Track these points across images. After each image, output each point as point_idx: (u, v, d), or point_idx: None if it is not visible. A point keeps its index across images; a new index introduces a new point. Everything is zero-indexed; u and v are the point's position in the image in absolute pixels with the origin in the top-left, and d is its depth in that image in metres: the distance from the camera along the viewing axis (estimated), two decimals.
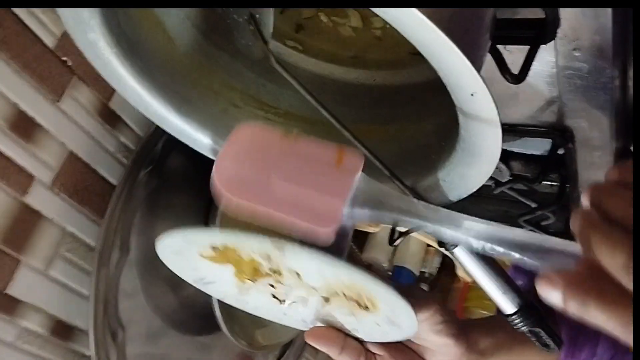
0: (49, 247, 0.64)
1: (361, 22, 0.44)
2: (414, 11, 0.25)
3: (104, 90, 0.66)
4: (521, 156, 0.66)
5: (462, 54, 0.27)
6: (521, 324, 0.39)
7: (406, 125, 0.46)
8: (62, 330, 0.67)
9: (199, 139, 0.49)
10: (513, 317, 0.39)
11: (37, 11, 0.57)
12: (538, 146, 0.63)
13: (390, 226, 0.81)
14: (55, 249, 0.64)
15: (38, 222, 0.62)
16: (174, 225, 0.79)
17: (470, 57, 0.28)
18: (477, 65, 0.31)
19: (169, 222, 0.79)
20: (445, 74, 0.29)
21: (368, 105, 0.48)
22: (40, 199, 0.62)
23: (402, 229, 0.80)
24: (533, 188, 0.68)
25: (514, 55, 0.45)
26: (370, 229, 1.16)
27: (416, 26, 0.26)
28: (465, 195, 0.40)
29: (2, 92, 0.56)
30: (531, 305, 0.39)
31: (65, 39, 0.60)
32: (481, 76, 0.28)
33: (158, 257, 0.78)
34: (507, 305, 0.39)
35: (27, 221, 0.61)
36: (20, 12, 0.56)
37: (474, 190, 0.38)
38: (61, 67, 0.61)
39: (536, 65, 0.45)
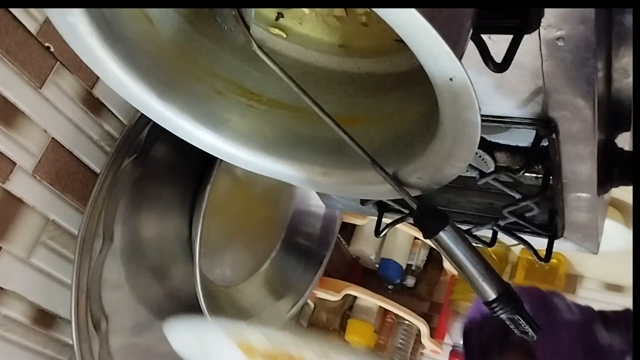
0: (30, 234, 0.63)
1: (344, 11, 0.44)
2: None
3: (88, 77, 0.65)
4: (506, 148, 0.66)
5: (440, 37, 0.26)
6: (501, 311, 0.39)
7: (389, 113, 0.45)
8: (44, 319, 0.67)
9: (181, 125, 0.48)
10: (493, 304, 0.39)
11: None
12: (524, 138, 0.63)
13: (377, 218, 0.81)
14: (37, 237, 0.64)
15: (20, 209, 0.62)
16: (159, 214, 0.79)
17: (449, 42, 0.28)
18: (458, 51, 0.31)
19: (153, 211, 0.78)
20: (424, 58, 0.29)
21: (352, 94, 0.48)
22: (22, 186, 0.61)
23: (388, 220, 0.80)
24: (518, 180, 0.68)
25: (498, 44, 0.45)
26: (358, 222, 1.16)
27: (395, 10, 0.26)
28: (445, 182, 0.40)
29: None
30: (510, 293, 0.39)
31: (48, 25, 0.59)
32: (460, 60, 0.28)
33: (142, 246, 0.78)
34: (487, 292, 0.39)
35: (8, 208, 0.61)
36: None
37: (454, 176, 0.38)
38: (44, 53, 0.60)
39: (520, 55, 0.45)
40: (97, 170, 0.69)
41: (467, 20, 0.34)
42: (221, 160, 0.50)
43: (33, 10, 0.58)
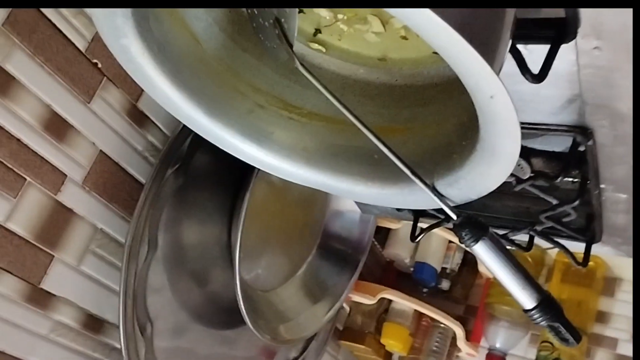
0: (80, 243, 0.66)
1: (382, 27, 0.45)
2: (427, 12, 0.26)
3: (133, 91, 0.68)
4: (543, 153, 0.66)
5: (481, 57, 0.27)
6: (540, 318, 0.40)
7: (427, 125, 0.46)
8: (93, 324, 0.69)
9: (224, 138, 0.50)
10: (532, 312, 0.40)
11: (69, 16, 0.59)
12: (560, 143, 0.63)
13: (412, 222, 0.81)
14: (86, 245, 0.67)
15: (70, 219, 0.64)
16: (200, 221, 0.82)
17: (489, 59, 0.29)
18: (497, 66, 0.32)
19: (195, 218, 0.81)
20: (464, 77, 0.30)
21: (390, 105, 0.49)
22: (72, 196, 0.64)
23: (424, 225, 0.81)
24: (554, 185, 0.68)
25: (534, 54, 0.46)
26: (392, 225, 1.17)
27: (431, 28, 0.27)
28: (485, 194, 0.41)
29: (36, 94, 0.58)
30: (550, 300, 0.40)
31: (95, 42, 0.62)
32: (500, 79, 0.29)
33: (184, 252, 0.80)
34: (527, 300, 0.40)
35: (60, 218, 0.63)
36: (53, 17, 0.58)
37: (494, 188, 0.39)
38: (92, 69, 0.63)
39: (557, 64, 0.45)
40: (142, 180, 0.72)
41: (505, 35, 0.34)
42: (259, 169, 0.52)
43: (82, 29, 0.60)
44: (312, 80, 0.43)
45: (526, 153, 0.66)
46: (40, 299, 0.63)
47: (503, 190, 0.77)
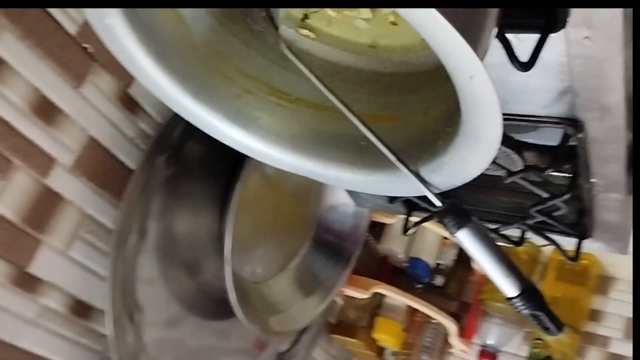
0: (68, 228, 0.66)
1: (370, 12, 0.45)
2: None
3: (124, 77, 0.67)
4: (535, 147, 0.66)
5: (460, 35, 0.27)
6: (523, 307, 0.40)
7: (415, 112, 0.46)
8: (81, 310, 0.69)
9: (212, 124, 0.50)
10: (515, 300, 0.40)
11: None
12: (552, 137, 0.63)
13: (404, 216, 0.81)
14: (75, 231, 0.67)
15: (58, 203, 0.64)
16: (191, 210, 0.81)
17: (469, 40, 0.28)
18: (481, 50, 0.32)
19: (186, 208, 0.80)
20: (444, 56, 0.30)
21: (378, 93, 0.49)
22: (61, 181, 0.64)
23: (416, 219, 0.81)
24: (547, 179, 0.68)
25: (524, 43, 0.46)
26: (387, 220, 1.17)
27: (415, 10, 0.27)
28: (468, 180, 0.40)
29: (25, 77, 0.58)
30: (533, 289, 0.39)
31: (86, 27, 0.62)
32: (479, 59, 0.29)
33: (175, 242, 0.80)
34: (510, 288, 0.40)
35: (48, 202, 0.63)
36: None
37: (476, 174, 0.39)
38: (82, 54, 0.63)
39: (548, 55, 0.45)
40: (132, 167, 0.72)
41: (489, 19, 0.34)
42: (251, 158, 0.52)
43: (73, 13, 0.60)
44: (299, 64, 0.43)
45: (518, 146, 0.66)
46: (27, 283, 0.63)
47: (495, 184, 0.77)
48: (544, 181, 0.68)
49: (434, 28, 0.28)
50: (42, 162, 0.61)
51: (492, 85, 0.30)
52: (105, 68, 0.65)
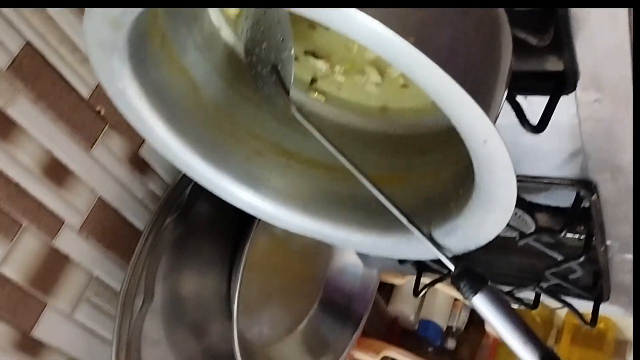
0: (75, 290, 0.65)
1: (380, 77, 0.45)
2: (424, 58, 0.26)
3: (135, 138, 0.68)
4: (547, 208, 0.65)
5: (473, 100, 0.27)
6: None
7: (425, 173, 0.46)
8: None
9: (222, 185, 0.50)
10: None
11: (75, 63, 0.60)
12: (564, 198, 0.62)
13: (415, 277, 0.80)
14: (81, 293, 0.66)
15: (65, 265, 0.63)
16: (199, 271, 0.80)
17: (481, 104, 0.28)
18: (492, 113, 0.32)
19: (194, 269, 0.79)
20: (457, 121, 0.30)
21: (388, 154, 0.49)
22: (69, 242, 0.63)
23: (427, 280, 0.79)
24: (560, 241, 0.67)
25: (534, 106, 0.46)
26: (397, 281, 1.15)
27: (424, 72, 0.27)
28: (483, 243, 0.40)
29: (38, 139, 0.58)
30: (552, 356, 0.38)
31: (99, 90, 0.63)
32: (493, 124, 0.28)
33: (182, 303, 0.79)
34: (529, 356, 0.38)
35: (55, 264, 0.62)
36: (58, 64, 0.59)
37: (492, 237, 0.38)
38: (94, 116, 0.63)
39: (558, 117, 0.45)
40: (141, 228, 0.71)
41: (500, 82, 0.34)
42: (260, 219, 0.51)
43: (86, 77, 0.61)
44: (309, 127, 0.43)
45: (530, 208, 0.65)
46: (30, 347, 0.61)
47: (507, 246, 0.76)
48: (557, 243, 0.67)
49: (446, 92, 0.28)
50: (51, 223, 0.61)
51: (506, 149, 0.29)
52: (116, 130, 0.66)
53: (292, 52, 0.41)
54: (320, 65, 0.47)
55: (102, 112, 0.64)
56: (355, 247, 0.49)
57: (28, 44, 0.55)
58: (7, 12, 0.53)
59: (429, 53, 0.27)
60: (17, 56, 0.55)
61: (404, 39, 0.26)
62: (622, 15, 0.37)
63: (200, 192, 0.74)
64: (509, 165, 0.30)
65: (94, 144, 0.64)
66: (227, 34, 0.47)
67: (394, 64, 0.28)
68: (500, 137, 0.29)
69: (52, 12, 0.57)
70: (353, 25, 0.27)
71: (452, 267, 0.39)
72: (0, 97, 0.54)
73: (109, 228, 0.67)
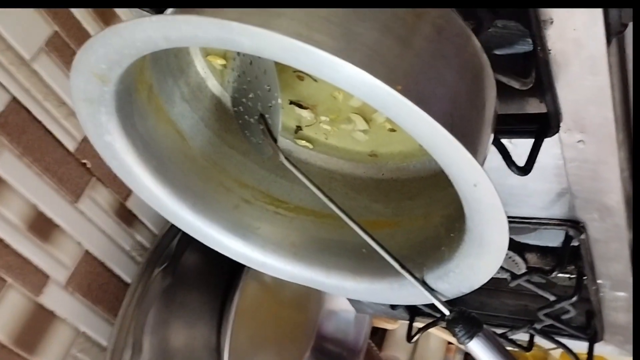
0: (60, 347, 0.63)
1: (366, 124, 0.46)
2: (412, 106, 0.26)
3: (121, 190, 0.67)
4: (537, 248, 0.65)
5: (461, 145, 0.27)
6: None
7: (415, 218, 0.46)
8: None
9: (210, 235, 0.49)
10: None
11: (60, 117, 0.60)
12: (553, 238, 0.62)
13: (408, 322, 0.79)
14: (67, 350, 0.64)
15: (51, 322, 0.62)
16: (188, 323, 0.79)
17: (469, 148, 0.28)
18: (480, 156, 0.32)
19: (183, 320, 0.78)
20: (446, 166, 0.30)
21: (377, 199, 0.49)
22: (55, 298, 0.62)
23: (420, 325, 0.78)
24: (551, 281, 0.67)
25: (519, 148, 0.46)
26: (389, 326, 1.13)
27: (415, 121, 0.27)
28: (477, 287, 0.39)
29: (23, 194, 0.58)
30: None
31: (85, 143, 0.63)
32: (482, 167, 0.29)
33: (171, 356, 0.77)
34: None
35: (40, 321, 0.61)
36: (44, 119, 0.59)
37: (485, 280, 0.38)
38: (80, 169, 0.63)
39: (543, 158, 0.46)
40: (128, 280, 0.70)
41: (487, 126, 0.35)
42: (249, 267, 0.51)
43: (73, 130, 0.61)
44: (298, 174, 0.43)
45: (519, 248, 0.65)
46: None
47: (499, 287, 0.76)
48: (548, 282, 0.67)
49: (434, 138, 0.28)
50: (36, 279, 0.60)
51: (496, 192, 0.29)
52: (102, 182, 0.65)
53: (279, 101, 0.41)
54: (305, 114, 0.47)
55: (88, 165, 0.63)
56: (348, 294, 0.48)
57: (14, 100, 0.55)
58: None
59: (417, 100, 0.27)
60: (2, 112, 0.54)
61: (391, 87, 0.26)
62: (601, 58, 0.38)
63: (189, 242, 0.74)
64: (499, 208, 0.30)
65: (79, 197, 0.63)
66: (213, 85, 0.48)
67: (383, 112, 0.28)
68: (490, 181, 0.29)
69: (38, 66, 0.57)
70: (340, 75, 0.27)
71: (447, 311, 0.39)
72: None
73: (95, 282, 0.66)
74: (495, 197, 0.30)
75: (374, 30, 0.29)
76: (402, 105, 0.27)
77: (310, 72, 0.28)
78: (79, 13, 0.59)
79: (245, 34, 0.27)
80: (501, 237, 0.33)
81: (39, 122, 0.58)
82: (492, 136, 0.36)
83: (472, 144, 0.30)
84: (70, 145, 0.61)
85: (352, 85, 0.27)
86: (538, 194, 0.55)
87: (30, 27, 0.56)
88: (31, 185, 0.58)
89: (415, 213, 0.46)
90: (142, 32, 0.30)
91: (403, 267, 0.40)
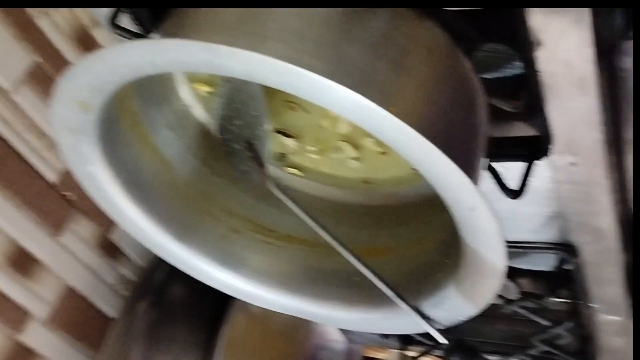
0: None
1: (355, 151, 0.45)
2: (405, 127, 0.26)
3: (104, 222, 0.66)
4: (529, 273, 0.65)
5: (458, 168, 0.27)
6: None
7: (408, 244, 0.45)
8: None
9: (197, 265, 0.48)
10: None
11: (41, 149, 0.58)
12: (546, 262, 0.62)
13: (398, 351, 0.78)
14: None
15: None
16: (175, 358, 0.76)
17: (467, 172, 0.28)
18: (475, 180, 0.31)
19: (169, 356, 0.75)
20: (442, 190, 0.29)
21: (369, 226, 0.48)
22: (35, 336, 0.60)
23: (412, 353, 0.77)
24: (544, 306, 0.66)
25: (511, 172, 0.46)
26: (380, 355, 1.12)
27: (409, 142, 0.26)
28: (474, 314, 0.38)
29: (2, 228, 0.56)
30: None
31: (67, 174, 0.61)
32: (480, 190, 0.28)
33: None
34: None
35: None
36: (24, 151, 0.57)
37: (482, 307, 0.37)
38: (62, 202, 0.61)
39: (535, 181, 0.45)
40: (112, 315, 0.68)
41: (481, 148, 0.34)
42: (237, 299, 0.49)
43: (54, 162, 0.60)
44: (287, 202, 0.42)
45: (512, 273, 0.64)
46: None
47: (492, 313, 0.74)
48: (541, 308, 0.66)
49: (430, 161, 0.27)
50: (16, 316, 0.58)
51: (494, 215, 0.29)
52: (85, 214, 0.64)
53: (267, 127, 0.40)
54: (290, 143, 0.46)
55: (70, 197, 0.62)
56: (340, 325, 0.47)
57: None
58: None
59: (410, 121, 0.26)
60: None
61: (384, 109, 0.26)
62: (591, 79, 0.38)
63: (175, 274, 0.72)
64: (497, 232, 0.30)
65: (61, 230, 0.61)
66: (199, 112, 0.47)
67: (376, 135, 0.28)
68: (487, 204, 0.28)
69: (19, 98, 0.56)
70: (331, 98, 0.26)
71: (444, 340, 0.38)
72: None
73: (78, 317, 0.64)
74: (493, 220, 0.29)
75: (365, 52, 0.28)
76: (396, 126, 0.26)
77: (302, 95, 0.27)
78: (58, 42, 0.59)
79: (235, 58, 0.26)
80: (498, 262, 0.32)
81: (19, 154, 0.57)
82: (486, 160, 0.36)
83: (467, 166, 0.29)
84: (51, 177, 0.60)
85: (344, 108, 0.27)
86: (530, 218, 0.54)
87: (9, 57, 0.55)
88: (11, 219, 0.56)
89: (409, 240, 0.45)
90: (126, 58, 0.29)
91: (397, 295, 0.39)
